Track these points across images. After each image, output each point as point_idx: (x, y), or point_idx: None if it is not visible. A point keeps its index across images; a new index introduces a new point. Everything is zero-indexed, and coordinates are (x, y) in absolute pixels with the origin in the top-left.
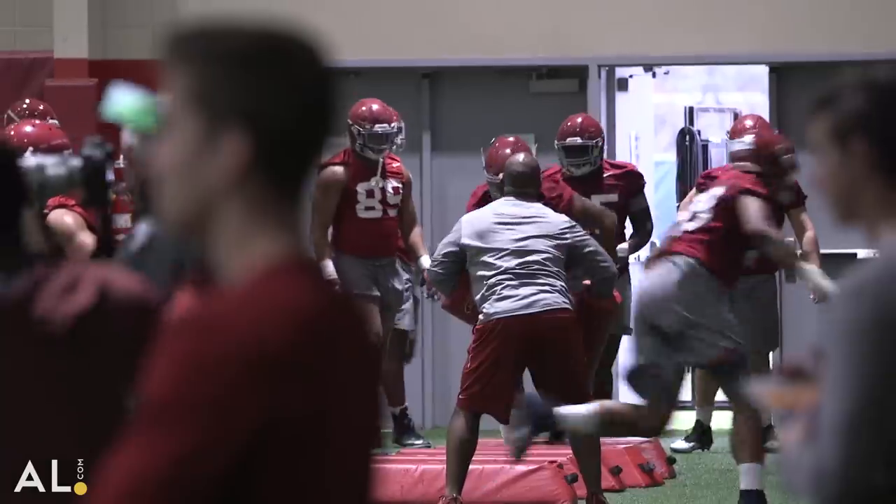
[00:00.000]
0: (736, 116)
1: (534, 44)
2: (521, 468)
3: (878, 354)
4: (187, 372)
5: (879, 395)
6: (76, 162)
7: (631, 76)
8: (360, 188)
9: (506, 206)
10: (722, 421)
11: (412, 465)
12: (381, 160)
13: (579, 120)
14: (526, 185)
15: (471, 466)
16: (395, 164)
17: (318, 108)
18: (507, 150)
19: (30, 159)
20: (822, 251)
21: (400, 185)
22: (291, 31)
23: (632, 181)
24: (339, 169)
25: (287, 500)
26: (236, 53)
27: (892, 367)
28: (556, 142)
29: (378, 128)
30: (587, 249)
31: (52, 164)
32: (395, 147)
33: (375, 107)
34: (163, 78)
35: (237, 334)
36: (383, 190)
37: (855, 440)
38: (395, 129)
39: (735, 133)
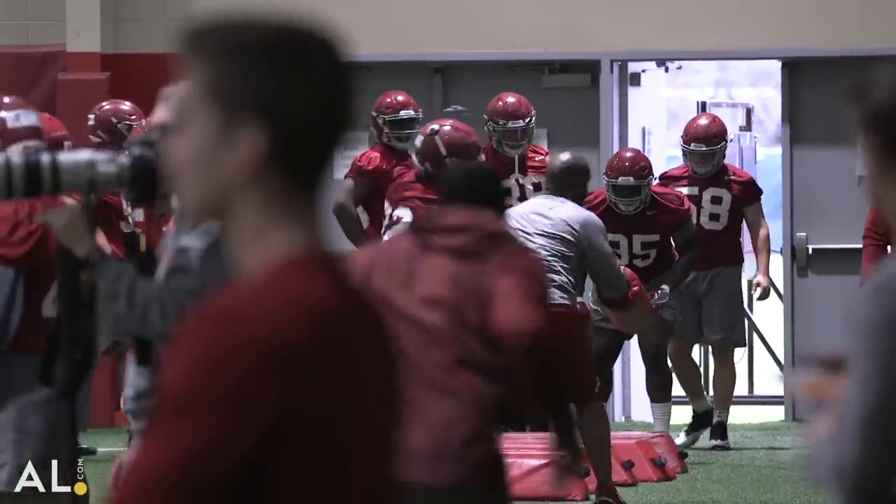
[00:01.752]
0: (748, 111)
1: (546, 39)
2: (533, 462)
3: None
4: (201, 365)
5: None
6: (126, 159)
7: (643, 71)
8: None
9: (535, 203)
10: (737, 416)
11: None
12: (520, 155)
13: (629, 155)
14: (560, 184)
15: None
16: (539, 158)
17: (334, 101)
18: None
19: (81, 155)
20: (844, 246)
21: (541, 181)
22: (307, 25)
23: (677, 218)
24: None
25: (301, 494)
26: (252, 47)
27: None
28: (605, 178)
29: (512, 124)
30: (590, 252)
31: (103, 161)
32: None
33: (511, 100)
34: (180, 72)
35: (252, 328)
36: (522, 186)
37: (875, 436)
38: (528, 124)
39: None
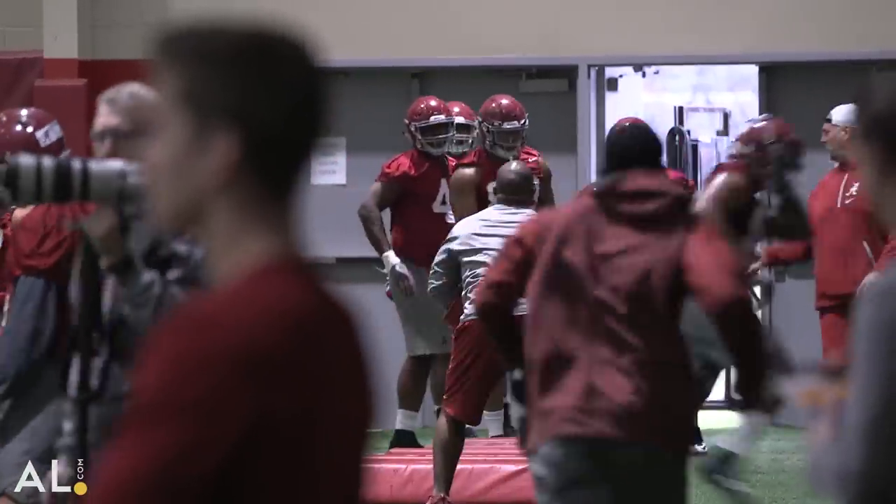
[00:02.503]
0: (726, 116)
1: (524, 44)
2: (510, 468)
3: None
4: (176, 371)
5: None
6: None
7: (621, 76)
8: (490, 187)
9: (494, 212)
10: (714, 420)
11: (402, 464)
12: (514, 157)
13: None
14: (516, 192)
15: (460, 466)
16: (532, 159)
17: (307, 107)
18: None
19: (112, 164)
20: None
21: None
22: (281, 31)
23: None
24: (469, 171)
25: (277, 499)
26: (225, 53)
27: None
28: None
29: (507, 125)
30: None
31: (133, 172)
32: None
33: (505, 102)
34: (153, 78)
35: (226, 333)
36: None
37: (879, 441)
38: (522, 126)
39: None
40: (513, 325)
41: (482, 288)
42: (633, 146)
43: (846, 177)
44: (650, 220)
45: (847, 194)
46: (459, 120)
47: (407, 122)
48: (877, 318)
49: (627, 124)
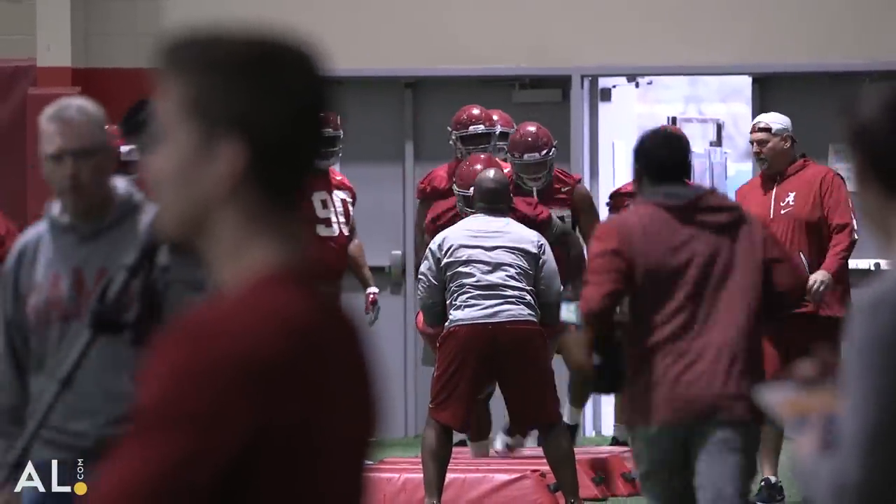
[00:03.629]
0: (719, 127)
1: (517, 54)
2: (503, 477)
3: None
4: (179, 380)
5: None
6: None
7: (614, 86)
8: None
9: (476, 221)
10: None
11: (395, 473)
12: (540, 186)
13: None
14: (496, 201)
15: (454, 475)
16: (566, 189)
17: (312, 115)
18: (478, 166)
19: None
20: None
21: (564, 215)
22: (285, 39)
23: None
24: None
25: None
26: (231, 62)
27: None
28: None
29: (527, 157)
30: (543, 272)
31: None
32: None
33: (531, 129)
34: (158, 86)
35: (229, 342)
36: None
37: (876, 454)
38: (545, 156)
39: None
40: (613, 327)
41: (597, 296)
42: (666, 156)
43: (776, 189)
44: (724, 228)
45: (782, 204)
46: (498, 129)
47: (449, 129)
48: (869, 331)
49: (659, 132)
